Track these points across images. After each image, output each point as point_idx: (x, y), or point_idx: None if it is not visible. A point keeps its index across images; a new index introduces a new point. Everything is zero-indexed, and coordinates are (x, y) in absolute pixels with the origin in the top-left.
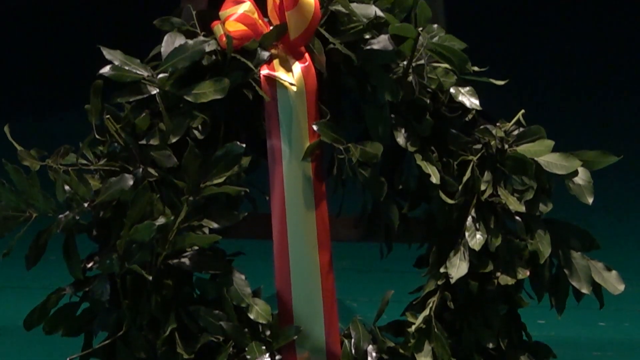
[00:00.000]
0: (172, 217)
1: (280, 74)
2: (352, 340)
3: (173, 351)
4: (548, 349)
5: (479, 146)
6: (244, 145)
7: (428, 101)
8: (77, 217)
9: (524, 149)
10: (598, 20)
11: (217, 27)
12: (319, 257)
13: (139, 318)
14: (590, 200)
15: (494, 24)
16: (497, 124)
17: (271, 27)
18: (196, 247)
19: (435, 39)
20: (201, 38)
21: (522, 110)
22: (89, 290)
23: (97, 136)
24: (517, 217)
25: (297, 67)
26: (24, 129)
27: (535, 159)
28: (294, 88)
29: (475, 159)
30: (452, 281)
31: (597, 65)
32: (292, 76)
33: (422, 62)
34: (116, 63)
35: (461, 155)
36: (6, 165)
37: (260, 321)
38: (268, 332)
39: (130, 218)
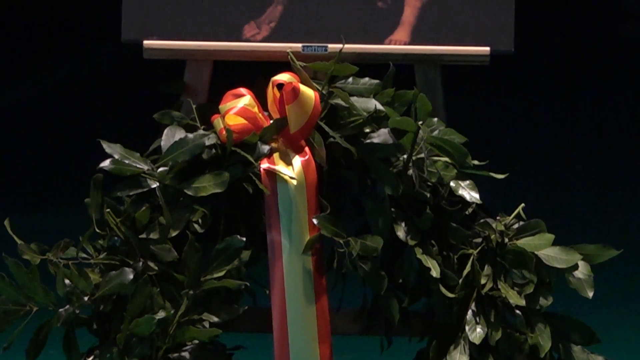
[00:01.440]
0: (172, 311)
1: (281, 167)
2: None
3: None
4: None
5: (479, 240)
6: (244, 238)
7: (428, 195)
8: (77, 311)
9: (524, 242)
10: (597, 114)
11: (217, 120)
12: (320, 351)
13: None
14: (591, 294)
15: (494, 117)
16: (497, 218)
17: (271, 121)
18: (196, 341)
19: (435, 133)
20: (201, 132)
21: (522, 204)
22: None
23: (97, 230)
24: (517, 311)
25: (297, 160)
26: (24, 222)
27: (536, 252)
28: (294, 182)
29: (475, 252)
30: None
31: (597, 158)
32: (292, 170)
33: (422, 155)
34: (116, 157)
35: (461, 249)
36: (6, 259)
37: None
38: None
39: (130, 312)
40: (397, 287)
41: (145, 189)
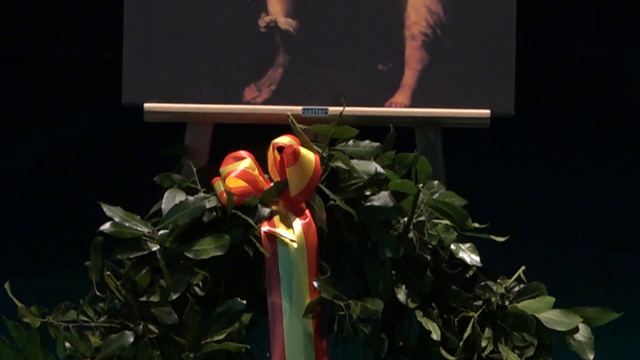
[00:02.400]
0: None
1: (281, 230)
2: None
3: None
4: None
5: (479, 303)
6: (244, 301)
7: (429, 257)
8: None
9: (524, 305)
10: (598, 177)
11: (217, 183)
12: None
13: None
14: (591, 357)
15: (495, 179)
16: (498, 281)
17: (272, 184)
18: None
19: (435, 196)
20: (202, 195)
21: (523, 267)
22: None
23: (97, 293)
24: None
25: (298, 223)
26: (24, 285)
27: (536, 315)
28: (295, 244)
29: (476, 315)
30: None
31: (598, 221)
32: (293, 232)
33: (422, 218)
34: (116, 220)
35: (462, 312)
36: (6, 322)
37: None
38: None
39: None
40: (398, 350)
41: (145, 252)
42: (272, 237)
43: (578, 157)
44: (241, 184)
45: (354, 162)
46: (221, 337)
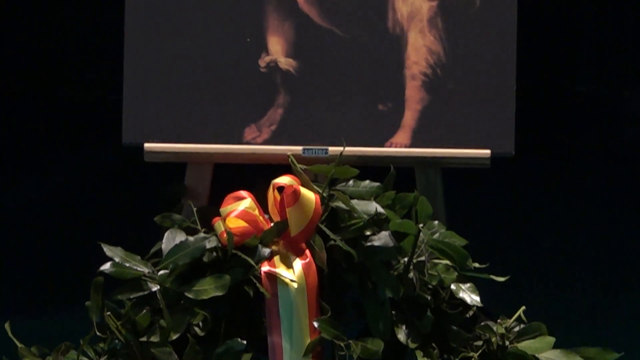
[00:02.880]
0: None
1: (281, 270)
2: None
3: None
4: None
5: (480, 343)
6: (244, 342)
7: (429, 297)
8: None
9: (525, 345)
10: (598, 217)
11: (217, 223)
12: None
13: None
14: None
15: (495, 219)
16: (498, 321)
17: (272, 224)
18: None
19: (436, 236)
20: (202, 235)
21: (523, 307)
22: None
23: (98, 333)
24: None
25: (298, 263)
26: (24, 325)
27: (537, 355)
28: (295, 285)
29: (476, 355)
30: None
31: (598, 260)
32: (293, 273)
33: (423, 258)
34: (117, 260)
35: (462, 352)
36: None
37: None
38: None
39: None
40: None
41: (145, 292)
42: (273, 277)
43: (578, 197)
44: (241, 224)
45: (354, 202)
46: None
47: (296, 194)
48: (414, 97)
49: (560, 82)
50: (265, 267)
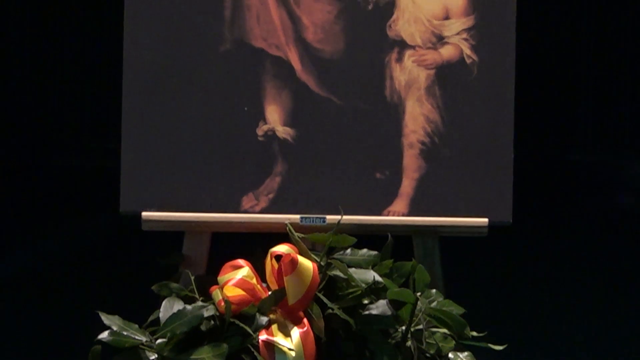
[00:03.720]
0: None
1: (279, 339)
2: None
3: None
4: None
5: None
6: None
7: None
8: None
9: None
10: (597, 285)
11: (215, 292)
12: None
13: None
14: None
15: (492, 287)
16: None
17: (270, 292)
18: None
19: (433, 304)
20: (200, 303)
21: None
22: None
23: None
24: None
25: (296, 332)
26: None
27: None
28: (293, 353)
29: None
30: None
31: (596, 327)
32: (291, 341)
33: (420, 327)
34: (114, 328)
35: None
36: None
37: None
38: None
39: None
40: None
41: None
42: (271, 346)
43: (575, 264)
44: (239, 292)
45: (352, 270)
46: None
47: (294, 263)
48: (411, 165)
49: (557, 151)
50: (263, 336)
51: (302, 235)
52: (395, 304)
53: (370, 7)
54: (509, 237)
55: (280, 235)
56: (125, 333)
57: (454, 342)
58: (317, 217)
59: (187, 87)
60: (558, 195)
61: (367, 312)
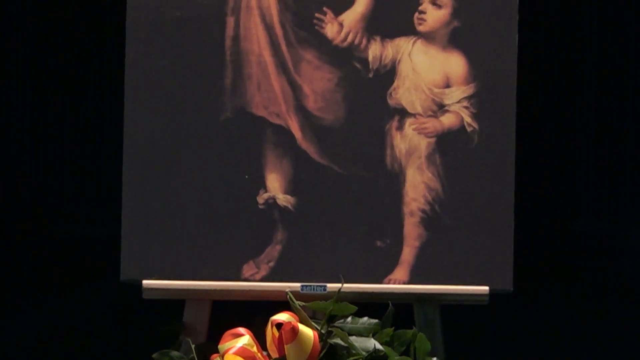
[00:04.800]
0: None
1: None
2: None
3: None
4: None
5: None
6: None
7: None
8: None
9: None
10: (597, 351)
11: None
12: None
13: None
14: None
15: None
16: None
17: None
18: None
19: None
20: None
21: None
22: None
23: None
24: None
25: None
26: None
27: None
28: None
29: None
30: None
31: None
32: None
33: None
34: None
35: None
36: None
37: None
38: None
39: None
40: None
41: None
42: None
43: (577, 332)
44: None
45: (353, 338)
46: None
47: (294, 331)
48: (412, 233)
49: (558, 219)
50: None
51: (303, 303)
52: None
53: (370, 75)
54: (510, 304)
55: (281, 303)
56: None
57: None
58: (317, 286)
59: (188, 155)
60: (559, 263)
61: None
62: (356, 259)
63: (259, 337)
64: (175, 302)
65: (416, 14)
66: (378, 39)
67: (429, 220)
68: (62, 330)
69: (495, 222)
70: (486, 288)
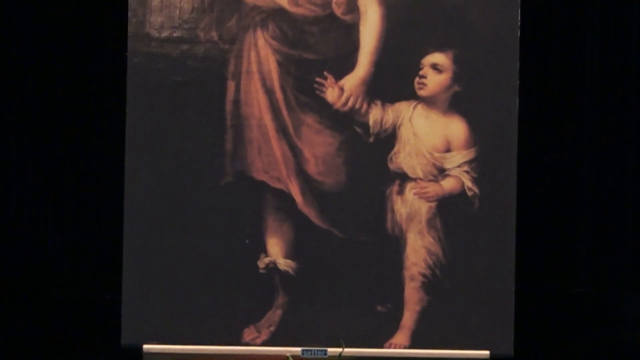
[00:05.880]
0: None
1: None
2: None
3: None
4: None
5: None
6: None
7: None
8: None
9: None
10: None
11: None
12: None
13: None
14: None
15: None
16: None
17: None
18: None
19: None
20: None
21: None
22: None
23: None
24: None
25: None
26: None
27: None
28: None
29: None
30: None
31: None
32: None
33: None
34: None
35: None
36: None
37: None
38: None
39: None
40: None
41: None
42: None
43: None
44: None
45: None
46: None
47: None
48: (413, 298)
49: (557, 284)
50: None
51: None
52: None
53: (371, 139)
54: None
55: None
56: None
57: None
58: (318, 350)
59: (189, 220)
60: (559, 328)
61: None
62: (357, 323)
63: None
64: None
65: (417, 79)
66: (379, 103)
67: (429, 285)
68: None
69: (495, 286)
70: (486, 352)
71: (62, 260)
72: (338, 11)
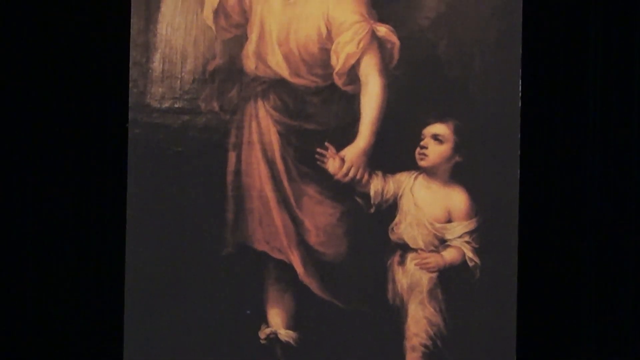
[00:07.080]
0: None
1: None
2: None
3: None
4: None
5: None
6: None
7: None
8: None
9: None
10: None
11: None
12: None
13: None
14: None
15: None
16: None
17: None
18: None
19: None
20: None
21: None
22: None
23: None
24: None
25: None
26: None
27: None
28: None
29: None
30: None
31: None
32: None
33: None
34: None
35: None
36: None
37: None
38: None
39: None
40: None
41: None
42: None
43: None
44: None
45: None
46: None
47: None
48: None
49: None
50: None
51: None
52: None
53: (372, 210)
54: None
55: None
56: None
57: None
58: None
59: (189, 290)
60: None
61: None
62: None
63: None
64: None
65: (418, 149)
66: (380, 173)
67: (430, 355)
68: None
69: (496, 357)
70: None
71: (63, 331)
72: (339, 82)
